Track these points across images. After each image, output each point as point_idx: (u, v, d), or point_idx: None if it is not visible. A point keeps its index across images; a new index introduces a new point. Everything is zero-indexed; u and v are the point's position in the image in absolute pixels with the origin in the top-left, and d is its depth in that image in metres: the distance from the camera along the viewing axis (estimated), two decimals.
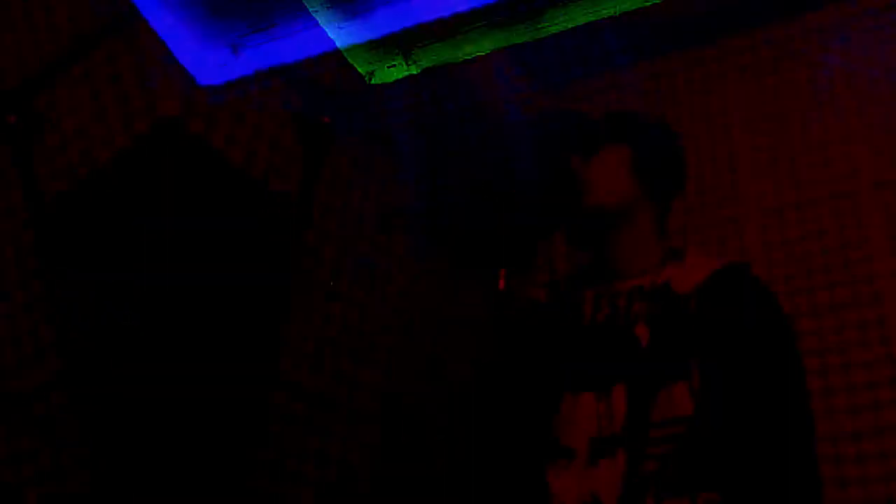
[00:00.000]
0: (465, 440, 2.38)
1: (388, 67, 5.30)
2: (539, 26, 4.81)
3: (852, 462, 3.79)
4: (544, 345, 2.23)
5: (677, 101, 5.11)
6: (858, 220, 4.26)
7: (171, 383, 2.65)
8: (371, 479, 3.42)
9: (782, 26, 4.91)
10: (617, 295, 2.18)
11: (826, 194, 4.40)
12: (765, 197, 4.59)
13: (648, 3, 4.71)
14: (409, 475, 3.57)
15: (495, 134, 4.64)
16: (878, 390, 3.88)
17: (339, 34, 4.98)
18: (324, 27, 4.80)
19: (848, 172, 4.42)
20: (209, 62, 5.28)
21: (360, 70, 5.27)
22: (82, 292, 2.78)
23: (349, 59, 5.22)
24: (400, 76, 5.38)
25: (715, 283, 2.09)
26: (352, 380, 3.45)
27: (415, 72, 5.23)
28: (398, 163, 1.94)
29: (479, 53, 5.08)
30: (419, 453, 3.67)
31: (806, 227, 4.40)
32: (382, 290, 3.75)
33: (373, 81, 5.42)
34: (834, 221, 4.32)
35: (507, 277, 2.03)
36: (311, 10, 4.44)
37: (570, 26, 4.87)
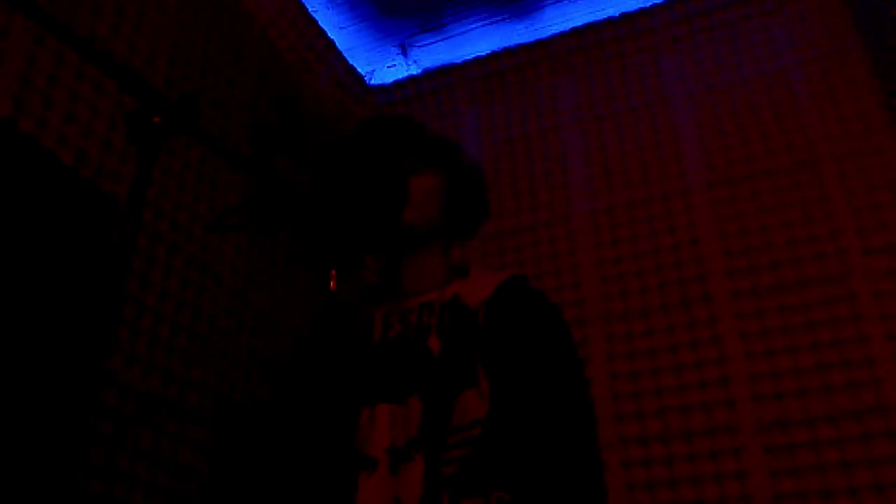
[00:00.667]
0: (284, 446, 2.40)
1: (388, 67, 5.31)
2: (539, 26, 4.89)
3: (685, 461, 3.90)
4: (337, 363, 2.31)
5: (509, 100, 5.19)
6: (690, 219, 4.37)
7: None
8: (202, 479, 3.41)
9: (612, 26, 5.03)
10: (407, 312, 2.26)
11: (659, 193, 4.50)
12: (595, 196, 4.68)
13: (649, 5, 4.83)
14: (239, 475, 3.57)
15: (327, 136, 4.69)
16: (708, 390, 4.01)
17: (340, 34, 4.98)
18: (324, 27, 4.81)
19: (679, 172, 4.53)
20: (379, 62, 5.24)
21: (360, 71, 5.28)
22: None
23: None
24: (400, 76, 5.40)
25: (499, 295, 2.19)
26: (183, 379, 3.44)
27: (415, 71, 5.24)
28: (230, 164, 1.97)
29: (479, 53, 5.14)
30: (250, 454, 3.67)
31: (637, 227, 4.49)
32: (214, 291, 3.74)
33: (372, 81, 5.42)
34: (666, 220, 4.42)
35: (337, 278, 2.06)
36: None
37: (570, 26, 4.96)
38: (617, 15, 5.00)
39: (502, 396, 2.01)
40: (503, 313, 2.16)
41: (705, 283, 4.18)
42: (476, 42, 5.24)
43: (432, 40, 5.20)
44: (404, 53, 5.27)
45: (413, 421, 2.06)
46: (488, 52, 5.28)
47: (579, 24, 5.07)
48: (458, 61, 5.35)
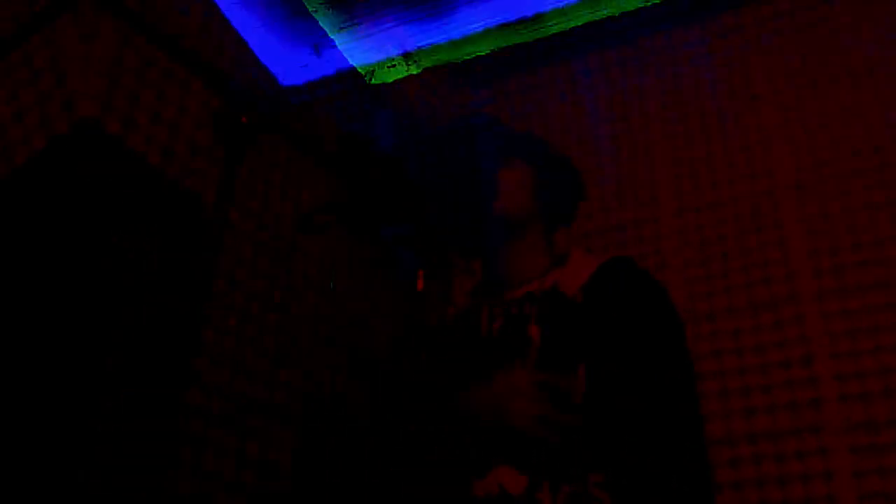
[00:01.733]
0: (382, 440, 2.43)
1: (389, 67, 5.32)
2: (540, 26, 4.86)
3: (771, 461, 3.84)
4: (446, 361, 2.33)
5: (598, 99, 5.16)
6: (777, 219, 4.30)
7: (87, 382, 2.63)
8: (291, 479, 3.42)
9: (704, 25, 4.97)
10: (510, 304, 2.28)
11: (745, 194, 4.44)
12: (681, 197, 4.63)
13: (649, 4, 4.78)
14: (328, 474, 3.58)
15: (415, 137, 4.68)
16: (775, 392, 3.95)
17: (339, 35, 5.00)
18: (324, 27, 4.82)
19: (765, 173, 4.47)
20: (292, 62, 5.26)
21: (360, 70, 5.30)
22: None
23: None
24: (400, 76, 5.41)
25: (599, 278, 2.19)
26: (271, 379, 3.44)
27: (415, 72, 5.24)
28: (317, 163, 1.96)
29: (478, 53, 5.12)
30: (339, 452, 3.68)
31: (724, 227, 4.44)
32: (300, 291, 3.75)
33: (373, 81, 5.43)
34: (752, 220, 4.37)
35: (425, 278, 2.05)
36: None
37: (570, 26, 4.93)
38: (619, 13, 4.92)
39: (600, 381, 1.99)
40: (601, 297, 2.15)
41: (793, 283, 4.12)
42: (390, 41, 5.08)
43: (345, 40, 5.06)
44: (318, 54, 5.13)
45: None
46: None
47: (492, 24, 4.93)
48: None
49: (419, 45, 5.02)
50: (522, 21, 4.84)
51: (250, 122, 1.65)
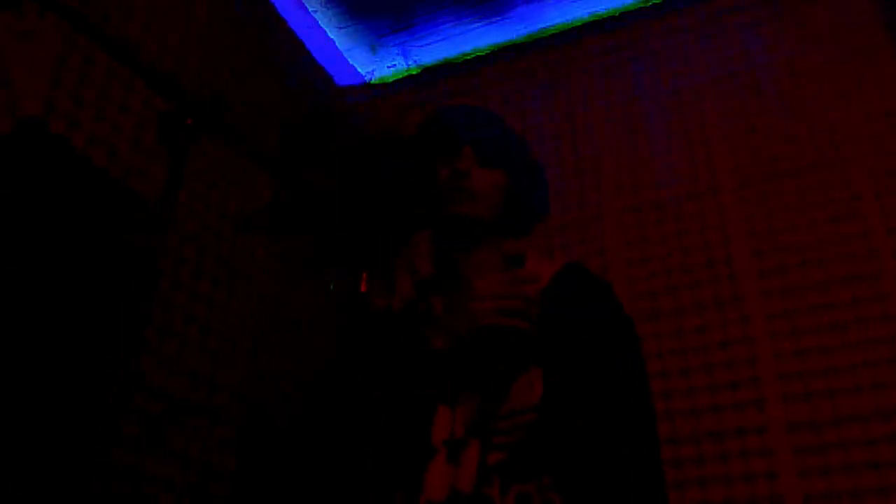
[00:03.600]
0: (319, 439, 2.40)
1: (389, 67, 5.30)
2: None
3: (693, 463, 3.88)
4: (400, 354, 2.25)
5: (539, 99, 5.17)
6: (721, 219, 4.34)
7: (21, 384, 2.61)
8: (230, 480, 3.42)
9: (641, 27, 5.00)
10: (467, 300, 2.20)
11: (682, 194, 4.48)
12: (624, 197, 4.66)
13: (648, 4, 4.82)
14: (267, 475, 3.58)
15: (359, 134, 4.68)
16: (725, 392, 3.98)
17: (339, 35, 4.98)
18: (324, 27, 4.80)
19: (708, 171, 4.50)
20: (349, 62, 5.23)
21: (360, 71, 5.29)
22: None
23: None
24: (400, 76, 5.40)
25: (555, 284, 2.18)
26: (211, 381, 3.44)
27: (415, 72, 5.23)
28: (259, 164, 1.97)
29: (479, 53, 5.13)
30: (277, 453, 3.67)
31: (666, 227, 4.47)
32: (244, 292, 3.75)
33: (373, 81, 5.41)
34: (696, 220, 4.40)
35: (368, 280, 2.05)
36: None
37: (570, 26, 4.95)
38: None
39: (556, 385, 1.98)
40: (558, 302, 2.13)
41: (736, 283, 4.16)
42: (448, 43, 5.16)
43: (403, 40, 5.13)
44: (374, 53, 5.20)
45: (470, 410, 2.04)
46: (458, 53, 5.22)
47: (549, 24, 5.02)
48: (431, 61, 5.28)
49: (475, 45, 5.08)
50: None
51: (194, 123, 1.65)
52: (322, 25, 4.97)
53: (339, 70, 5.30)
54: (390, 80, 5.38)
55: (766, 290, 4.09)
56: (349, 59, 5.26)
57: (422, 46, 5.15)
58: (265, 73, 4.28)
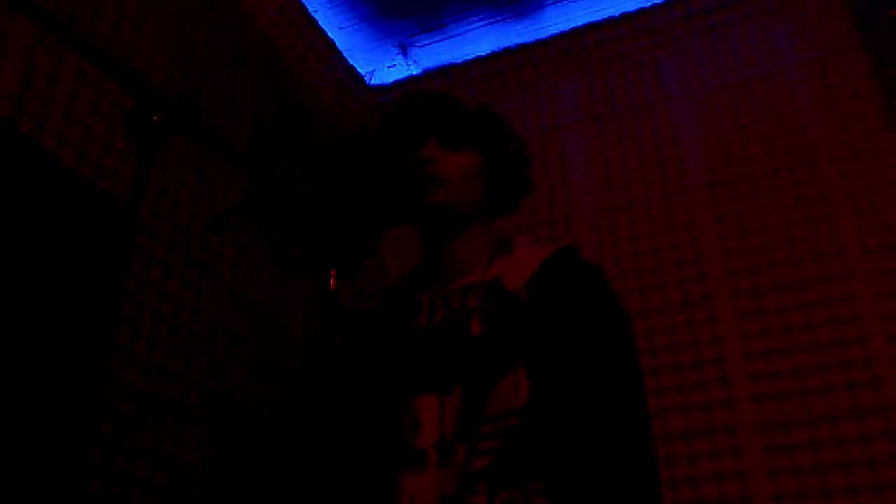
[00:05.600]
0: (296, 440, 2.36)
1: (388, 67, 5.32)
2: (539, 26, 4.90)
3: (684, 461, 3.89)
4: (383, 351, 2.20)
5: (509, 100, 5.18)
6: (690, 219, 4.36)
7: None
8: (202, 479, 3.41)
9: (612, 26, 5.02)
10: (451, 294, 2.16)
11: (659, 193, 4.50)
12: (594, 197, 4.67)
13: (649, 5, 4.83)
14: (240, 474, 3.57)
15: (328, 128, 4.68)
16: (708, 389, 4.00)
17: (340, 34, 4.99)
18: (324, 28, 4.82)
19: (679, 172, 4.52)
20: (378, 62, 5.25)
21: (360, 71, 5.31)
22: None
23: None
24: (400, 76, 5.41)
25: (544, 272, 2.08)
26: (183, 379, 3.43)
27: (415, 72, 5.25)
28: (230, 162, 1.96)
29: (479, 53, 5.16)
30: (251, 452, 3.67)
31: (637, 227, 4.48)
32: (214, 291, 3.74)
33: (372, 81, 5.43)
34: (666, 221, 4.42)
35: (337, 277, 2.04)
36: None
37: (570, 26, 4.97)
38: (617, 15, 5.00)
39: (543, 384, 1.91)
40: (547, 294, 2.04)
41: (705, 284, 4.19)
42: (476, 42, 5.25)
43: (432, 40, 5.20)
44: (404, 53, 5.27)
45: (456, 412, 1.97)
46: (488, 52, 5.28)
47: (580, 23, 5.07)
48: (459, 61, 5.35)
49: (505, 45, 5.12)
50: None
51: (162, 122, 1.65)
52: (322, 25, 5.02)
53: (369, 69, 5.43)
54: (419, 79, 5.43)
55: (736, 290, 4.12)
56: (364, 59, 5.34)
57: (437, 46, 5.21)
58: (238, 72, 4.27)
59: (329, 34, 5.05)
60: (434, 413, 2.00)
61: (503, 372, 1.95)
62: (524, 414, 1.89)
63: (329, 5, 4.88)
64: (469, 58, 5.33)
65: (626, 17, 4.98)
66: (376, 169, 1.95)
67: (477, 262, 2.19)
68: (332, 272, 2.00)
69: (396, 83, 5.49)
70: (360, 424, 2.11)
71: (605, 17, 5.02)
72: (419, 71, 5.39)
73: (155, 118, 1.63)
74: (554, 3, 4.95)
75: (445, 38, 5.17)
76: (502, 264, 2.17)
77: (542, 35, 5.16)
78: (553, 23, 5.10)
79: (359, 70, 5.37)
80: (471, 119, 2.30)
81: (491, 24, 5.09)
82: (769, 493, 3.67)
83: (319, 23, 4.96)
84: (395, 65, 5.38)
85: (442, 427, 1.98)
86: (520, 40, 5.21)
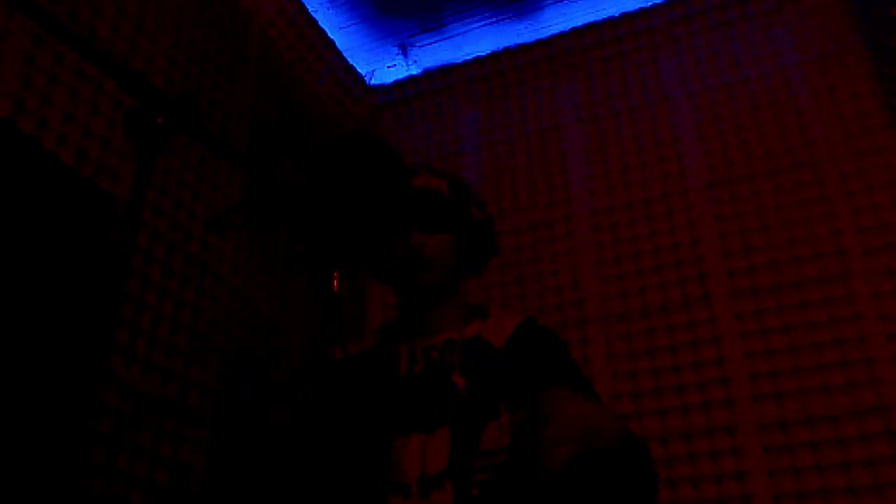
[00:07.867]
0: (297, 446, 2.60)
1: (388, 67, 5.33)
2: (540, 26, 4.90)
3: (684, 461, 3.89)
4: (367, 396, 2.49)
5: (509, 99, 5.17)
6: (690, 219, 4.36)
7: None
8: (202, 479, 3.41)
9: (613, 26, 5.01)
10: (430, 349, 2.48)
11: (659, 193, 4.49)
12: (595, 197, 4.67)
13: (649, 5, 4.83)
14: (240, 475, 3.57)
15: (331, 137, 4.68)
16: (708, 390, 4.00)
17: (339, 34, 5.00)
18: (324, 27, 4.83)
19: (679, 172, 4.52)
20: (378, 62, 5.27)
21: (360, 71, 5.32)
22: None
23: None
24: (400, 76, 5.42)
25: (519, 335, 2.45)
26: (183, 379, 3.43)
27: (415, 72, 5.26)
28: (230, 163, 1.96)
29: (479, 53, 5.17)
30: (251, 453, 3.67)
31: (637, 227, 4.48)
32: (214, 290, 3.74)
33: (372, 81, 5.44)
34: (666, 221, 4.41)
35: (340, 279, 2.06)
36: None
37: (570, 26, 4.97)
38: (617, 15, 4.99)
39: (524, 426, 2.00)
40: (524, 351, 2.39)
41: (705, 284, 4.18)
42: (477, 42, 5.25)
43: (432, 40, 5.20)
44: (404, 53, 5.27)
45: (442, 451, 2.22)
46: (489, 52, 5.28)
47: (580, 24, 5.07)
48: (459, 61, 5.35)
49: (505, 45, 5.14)
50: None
51: (165, 123, 1.65)
52: (323, 25, 5.03)
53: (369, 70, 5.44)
54: (420, 79, 5.44)
55: (736, 290, 4.11)
56: (364, 59, 5.35)
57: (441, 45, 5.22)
58: (238, 72, 4.27)
59: (329, 34, 5.06)
60: (417, 451, 2.26)
61: (488, 418, 2.25)
62: (509, 452, 2.16)
63: (329, 5, 4.89)
64: (469, 58, 5.33)
65: (626, 17, 4.97)
66: (378, 180, 2.09)
67: (451, 322, 2.57)
68: (336, 274, 2.01)
69: (396, 83, 5.49)
70: (345, 463, 2.38)
71: (605, 17, 5.02)
72: (419, 71, 5.39)
73: (159, 120, 1.64)
74: (554, 3, 4.95)
75: (445, 38, 5.18)
76: (481, 326, 2.52)
77: (542, 35, 5.16)
78: (553, 23, 5.10)
79: (359, 70, 5.38)
80: (445, 205, 2.65)
81: (491, 24, 5.09)
82: (769, 493, 3.67)
83: (319, 23, 4.97)
84: (395, 65, 5.37)
85: (423, 464, 2.23)
86: (520, 40, 5.21)
